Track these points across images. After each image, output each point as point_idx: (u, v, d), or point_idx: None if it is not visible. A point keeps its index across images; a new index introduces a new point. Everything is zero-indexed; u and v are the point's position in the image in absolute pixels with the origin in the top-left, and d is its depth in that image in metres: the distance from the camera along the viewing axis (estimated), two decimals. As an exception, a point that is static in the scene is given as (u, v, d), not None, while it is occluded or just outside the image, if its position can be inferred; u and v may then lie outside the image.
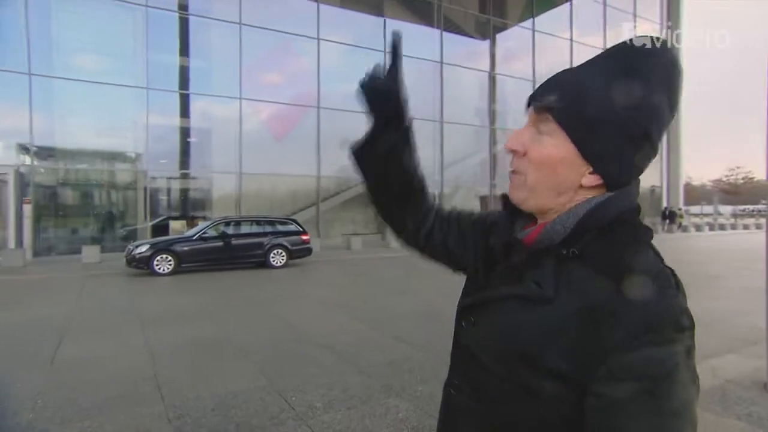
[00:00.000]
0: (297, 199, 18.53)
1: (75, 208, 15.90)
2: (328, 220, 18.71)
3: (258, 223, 12.75)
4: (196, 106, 17.29)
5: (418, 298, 8.06)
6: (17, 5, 13.94)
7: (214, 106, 17.52)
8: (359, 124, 0.92)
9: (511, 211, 0.81)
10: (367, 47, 18.59)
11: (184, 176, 17.24)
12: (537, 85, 0.76)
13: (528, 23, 24.11)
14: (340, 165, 17.22)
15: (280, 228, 12.76)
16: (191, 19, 16.91)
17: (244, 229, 12.49)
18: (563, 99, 0.69)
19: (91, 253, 13.36)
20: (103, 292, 8.93)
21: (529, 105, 0.74)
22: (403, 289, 9.11)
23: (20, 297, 8.48)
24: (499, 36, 23.77)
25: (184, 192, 17.48)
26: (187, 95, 16.90)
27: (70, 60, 15.14)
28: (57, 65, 14.67)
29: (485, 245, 0.85)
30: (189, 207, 17.21)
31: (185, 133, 17.28)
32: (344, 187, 18.65)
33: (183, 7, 16.64)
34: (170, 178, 16.91)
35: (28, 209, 13.80)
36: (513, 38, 24.22)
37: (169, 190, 17.19)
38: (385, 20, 19.82)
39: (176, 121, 16.91)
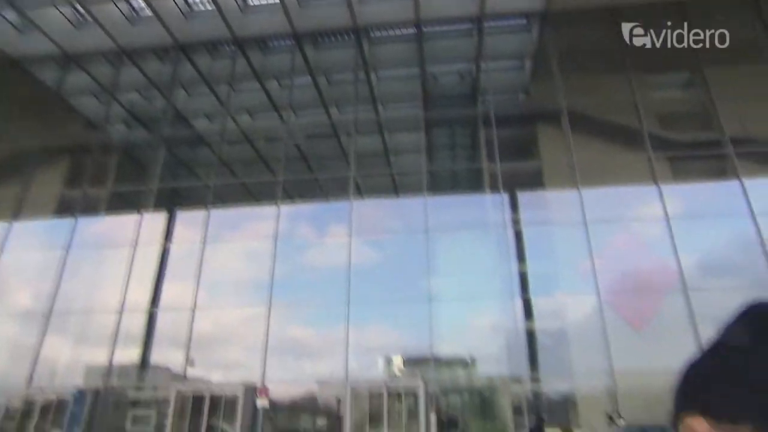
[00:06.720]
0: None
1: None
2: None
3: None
4: (544, 307, 17.94)
5: None
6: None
7: (563, 305, 17.81)
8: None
9: None
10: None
11: (535, 380, 16.80)
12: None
13: None
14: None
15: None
16: (528, 229, 18.79)
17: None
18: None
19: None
20: None
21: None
22: None
23: None
24: None
25: (538, 396, 16.80)
26: (528, 299, 17.64)
27: (442, 284, 18.42)
28: (434, 291, 17.88)
29: None
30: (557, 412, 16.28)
31: (533, 335, 17.52)
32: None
33: (517, 222, 18.80)
34: (523, 380, 16.80)
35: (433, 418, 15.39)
36: None
37: (529, 395, 16.83)
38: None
39: (524, 324, 17.43)
